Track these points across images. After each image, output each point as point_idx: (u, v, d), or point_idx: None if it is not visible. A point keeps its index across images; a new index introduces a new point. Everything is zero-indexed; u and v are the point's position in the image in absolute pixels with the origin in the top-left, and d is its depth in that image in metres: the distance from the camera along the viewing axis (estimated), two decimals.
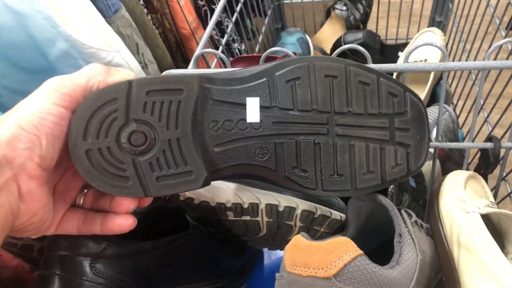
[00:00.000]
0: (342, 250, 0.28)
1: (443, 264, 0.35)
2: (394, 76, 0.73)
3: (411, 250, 0.33)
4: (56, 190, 0.31)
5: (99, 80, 0.30)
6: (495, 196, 0.50)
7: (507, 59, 0.58)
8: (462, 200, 0.37)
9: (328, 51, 0.93)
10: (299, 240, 0.30)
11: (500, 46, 0.42)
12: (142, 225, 0.41)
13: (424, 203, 0.65)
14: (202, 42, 0.53)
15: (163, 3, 0.68)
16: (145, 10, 0.67)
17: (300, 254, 0.29)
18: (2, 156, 0.25)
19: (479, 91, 0.42)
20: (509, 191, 0.62)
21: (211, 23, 0.57)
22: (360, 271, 0.28)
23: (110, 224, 0.31)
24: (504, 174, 0.50)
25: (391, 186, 0.68)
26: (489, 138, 0.45)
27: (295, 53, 0.80)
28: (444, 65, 0.39)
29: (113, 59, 0.54)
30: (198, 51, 0.48)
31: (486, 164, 0.46)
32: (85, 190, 0.33)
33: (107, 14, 0.55)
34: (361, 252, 0.29)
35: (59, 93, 0.28)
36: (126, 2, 0.60)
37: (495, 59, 0.68)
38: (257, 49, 0.86)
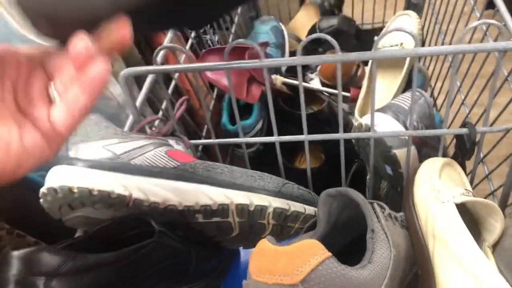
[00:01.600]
0: (309, 253, 0.27)
1: (418, 256, 0.34)
2: (369, 63, 0.72)
3: (384, 246, 0.32)
4: None
5: None
6: (472, 180, 0.49)
7: (482, 40, 0.57)
8: (437, 190, 0.35)
9: (304, 38, 0.91)
10: (264, 246, 0.28)
11: (475, 27, 0.41)
12: (105, 235, 0.39)
13: (402, 190, 0.64)
14: (168, 37, 0.51)
15: None
16: None
17: (265, 261, 0.27)
18: None
19: (452, 76, 0.41)
20: (487, 172, 0.61)
21: None
22: (329, 274, 0.27)
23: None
24: (481, 158, 0.49)
25: (368, 175, 0.67)
26: (464, 124, 0.44)
27: (267, 43, 0.78)
28: (416, 51, 0.38)
29: None
30: (160, 49, 0.45)
31: (463, 151, 0.45)
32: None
33: None
34: (329, 254, 0.27)
35: None
36: None
37: (470, 39, 0.67)
38: (230, 39, 0.84)
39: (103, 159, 0.39)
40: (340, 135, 0.45)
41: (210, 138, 0.51)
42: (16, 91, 0.25)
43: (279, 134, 0.89)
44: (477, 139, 0.45)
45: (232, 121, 0.76)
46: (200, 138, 0.57)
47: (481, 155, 0.57)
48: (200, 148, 0.64)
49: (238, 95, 0.65)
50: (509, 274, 0.34)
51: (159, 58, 0.49)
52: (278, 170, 0.70)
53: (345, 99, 0.80)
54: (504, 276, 0.34)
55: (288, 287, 0.26)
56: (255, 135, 0.76)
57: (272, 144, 0.52)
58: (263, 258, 0.27)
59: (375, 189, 0.69)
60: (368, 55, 0.38)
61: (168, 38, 0.49)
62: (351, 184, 0.78)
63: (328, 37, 0.38)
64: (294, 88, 0.75)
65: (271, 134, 0.89)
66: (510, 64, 0.51)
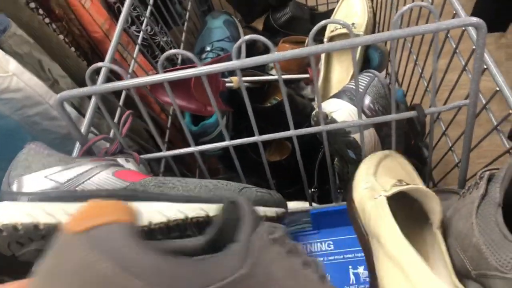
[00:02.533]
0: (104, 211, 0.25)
1: (366, 256, 0.34)
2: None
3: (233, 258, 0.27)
4: None
5: None
6: (430, 161, 0.50)
7: (427, 20, 0.56)
8: (371, 188, 0.36)
9: (260, 27, 0.90)
10: None
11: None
12: None
13: None
14: (108, 56, 0.49)
15: (66, 9, 0.63)
16: (47, 20, 0.61)
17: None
18: None
19: (392, 62, 0.40)
20: (450, 145, 0.61)
21: (117, 32, 0.52)
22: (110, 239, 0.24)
23: None
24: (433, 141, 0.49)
25: (336, 159, 0.67)
26: (413, 107, 0.43)
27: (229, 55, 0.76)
28: (351, 42, 0.37)
29: (11, 84, 0.49)
30: (92, 69, 0.43)
31: (415, 133, 0.45)
32: None
33: None
34: (122, 220, 0.25)
35: None
36: (18, 16, 0.54)
37: (419, 14, 0.66)
38: (183, 38, 0.82)
39: (47, 190, 0.38)
40: (292, 133, 0.45)
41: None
42: None
43: (246, 128, 0.87)
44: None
45: (195, 121, 0.75)
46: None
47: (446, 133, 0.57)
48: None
49: (195, 111, 0.64)
50: (456, 243, 0.35)
51: (101, 75, 0.48)
52: (248, 163, 0.69)
53: (306, 80, 0.80)
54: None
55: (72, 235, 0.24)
56: (220, 133, 0.75)
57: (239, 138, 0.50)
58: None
59: (343, 173, 0.69)
60: (306, 51, 0.37)
61: (108, 55, 0.48)
62: (322, 169, 0.78)
63: (262, 38, 0.37)
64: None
65: (237, 128, 0.88)
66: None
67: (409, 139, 0.46)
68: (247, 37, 0.37)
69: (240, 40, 0.37)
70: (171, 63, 0.78)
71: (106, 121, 0.68)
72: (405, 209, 0.33)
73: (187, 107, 0.65)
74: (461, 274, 0.36)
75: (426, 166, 0.54)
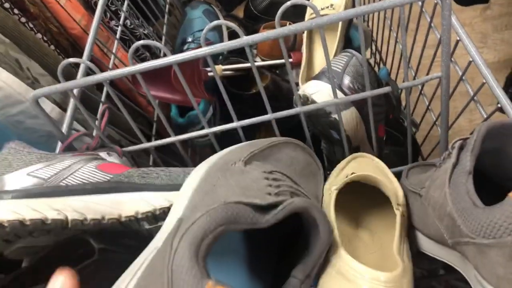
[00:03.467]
0: None
1: None
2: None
3: None
4: None
5: None
6: (408, 135, 0.50)
7: None
8: (330, 183, 0.38)
9: (241, 15, 0.90)
10: None
11: None
12: (50, 263, 0.39)
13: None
14: (85, 53, 0.49)
15: (41, 7, 0.63)
16: (23, 19, 0.61)
17: None
18: None
19: (361, 39, 0.40)
20: (434, 119, 0.62)
21: (93, 27, 0.52)
22: None
23: None
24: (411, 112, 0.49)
25: (322, 142, 0.67)
26: (387, 83, 0.44)
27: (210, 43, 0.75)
28: (316, 22, 0.37)
29: None
30: (64, 64, 0.43)
31: (392, 108, 0.46)
32: None
33: None
34: None
35: None
36: None
37: None
38: (164, 30, 0.82)
39: (30, 187, 0.38)
40: (269, 116, 0.45)
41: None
42: None
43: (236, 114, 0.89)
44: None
45: (181, 113, 0.75)
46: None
47: (428, 107, 0.58)
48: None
49: (180, 102, 0.64)
50: (434, 213, 0.36)
51: (80, 72, 0.48)
52: None
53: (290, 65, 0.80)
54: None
55: None
56: (208, 122, 0.76)
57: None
58: None
59: (330, 155, 0.70)
60: (272, 33, 0.37)
61: (86, 52, 0.48)
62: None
63: (229, 23, 0.38)
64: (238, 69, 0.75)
65: (226, 117, 0.88)
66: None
67: (388, 114, 0.47)
68: (213, 23, 0.38)
69: (205, 29, 0.38)
70: (154, 57, 0.78)
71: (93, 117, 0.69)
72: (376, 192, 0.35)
73: (172, 98, 0.65)
74: (441, 243, 0.37)
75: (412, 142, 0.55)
